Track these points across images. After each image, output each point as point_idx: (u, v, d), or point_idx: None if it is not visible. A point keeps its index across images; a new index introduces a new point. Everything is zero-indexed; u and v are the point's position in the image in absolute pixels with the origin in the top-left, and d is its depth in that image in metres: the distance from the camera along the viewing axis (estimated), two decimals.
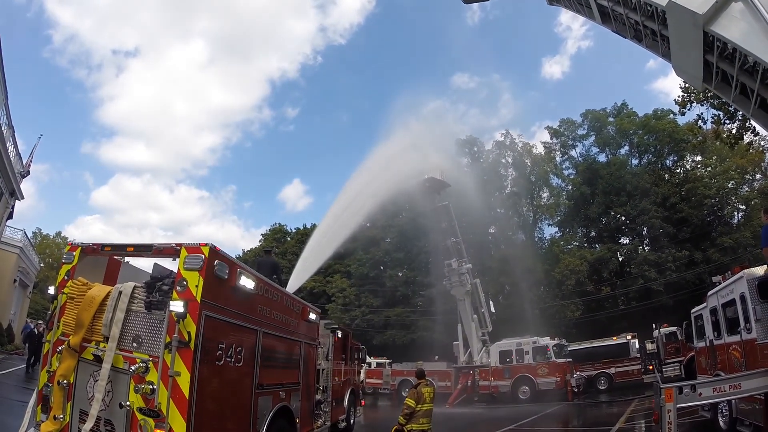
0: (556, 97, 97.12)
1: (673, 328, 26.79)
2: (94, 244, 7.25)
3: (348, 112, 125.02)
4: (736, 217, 44.65)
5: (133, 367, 5.78)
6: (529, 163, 51.59)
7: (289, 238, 61.97)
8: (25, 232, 35.90)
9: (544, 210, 50.76)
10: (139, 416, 5.65)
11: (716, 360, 10.49)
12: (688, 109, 20.19)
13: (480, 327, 29.17)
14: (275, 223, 66.90)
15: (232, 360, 6.60)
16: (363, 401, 19.31)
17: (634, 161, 49.44)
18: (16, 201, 28.02)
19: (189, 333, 5.68)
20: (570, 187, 50.21)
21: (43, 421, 6.35)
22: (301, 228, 62.54)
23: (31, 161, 29.14)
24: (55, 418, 6.21)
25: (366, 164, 27.01)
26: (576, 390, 25.09)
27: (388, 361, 36.39)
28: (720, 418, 10.07)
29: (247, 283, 6.91)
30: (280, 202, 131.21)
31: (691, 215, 42.04)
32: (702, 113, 20.34)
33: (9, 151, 23.77)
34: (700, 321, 11.92)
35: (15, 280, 33.54)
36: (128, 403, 5.74)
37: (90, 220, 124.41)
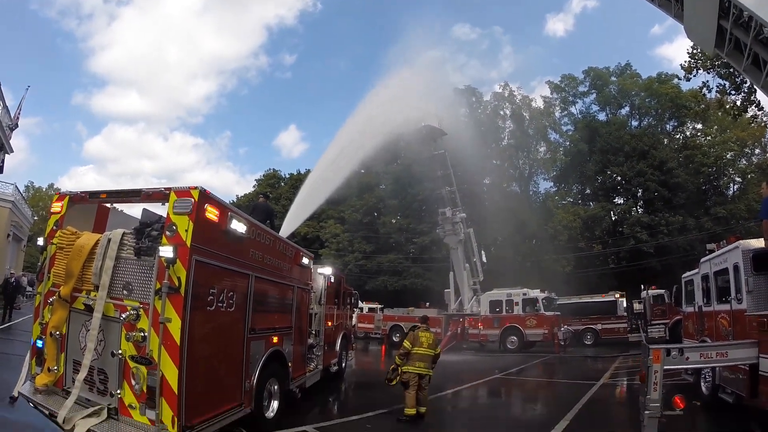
0: (559, 55, 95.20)
1: (661, 291, 27.30)
2: (81, 193, 7.06)
3: (346, 59, 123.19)
4: (731, 189, 44.93)
5: (123, 315, 5.71)
6: (527, 117, 51.00)
7: (283, 184, 61.63)
8: (16, 186, 35.58)
9: (540, 164, 50.70)
10: (132, 364, 5.61)
11: (704, 326, 10.59)
12: (694, 75, 19.79)
13: (471, 276, 29.38)
14: (269, 169, 66.77)
15: (224, 305, 6.53)
16: (355, 345, 19.60)
17: (634, 123, 49.20)
18: (6, 155, 27.64)
19: (179, 279, 5.55)
20: (568, 143, 49.90)
21: (37, 374, 6.36)
22: (296, 173, 62.28)
23: (19, 114, 28.73)
24: (49, 369, 6.21)
25: (362, 109, 26.39)
26: (563, 343, 25.61)
27: (379, 306, 36.76)
28: (703, 384, 10.23)
29: (238, 227, 6.76)
30: (275, 149, 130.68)
31: (687, 182, 42.09)
32: (707, 81, 19.97)
33: None
34: (690, 286, 11.95)
35: (8, 235, 33.70)
36: (120, 351, 5.68)
37: (83, 170, 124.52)
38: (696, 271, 11.27)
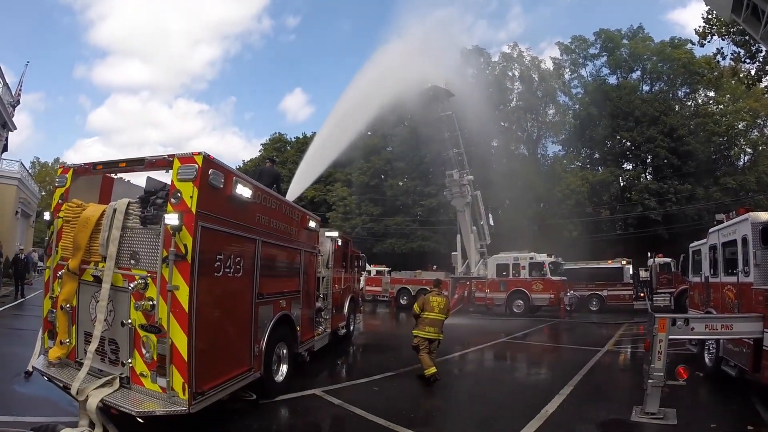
0: (569, 16, 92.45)
1: (668, 259, 27.19)
2: (85, 164, 7.00)
3: (350, 20, 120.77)
4: (742, 160, 44.24)
5: (132, 285, 5.73)
6: (536, 78, 49.96)
7: (289, 148, 61.34)
8: (21, 163, 35.64)
9: (549, 127, 50.05)
10: (142, 333, 5.66)
11: (709, 297, 10.54)
12: (708, 42, 19.20)
13: (479, 239, 29.38)
14: (275, 133, 66.22)
15: (231, 271, 6.54)
16: (362, 308, 19.80)
17: (645, 87, 48.05)
18: (9, 132, 27.55)
19: (185, 246, 5.54)
20: (577, 106, 49.08)
21: (50, 347, 6.42)
22: (301, 137, 61.79)
23: (20, 90, 28.53)
24: (61, 342, 6.28)
25: (367, 70, 25.94)
26: (568, 308, 25.81)
27: (387, 269, 36.92)
28: (706, 355, 10.19)
29: (243, 191, 6.69)
30: (281, 112, 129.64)
31: (698, 150, 41.48)
32: (722, 48, 19.43)
33: None
34: (697, 256, 11.83)
35: (17, 212, 33.74)
36: (130, 320, 5.73)
37: (89, 142, 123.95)
38: (704, 241, 11.14)
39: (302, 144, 57.52)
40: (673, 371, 7.33)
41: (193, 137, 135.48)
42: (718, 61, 20.37)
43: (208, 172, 5.82)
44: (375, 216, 49.12)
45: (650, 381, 7.20)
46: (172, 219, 5.46)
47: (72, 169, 7.02)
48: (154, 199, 6.00)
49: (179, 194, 5.65)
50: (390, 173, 50.89)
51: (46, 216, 7.10)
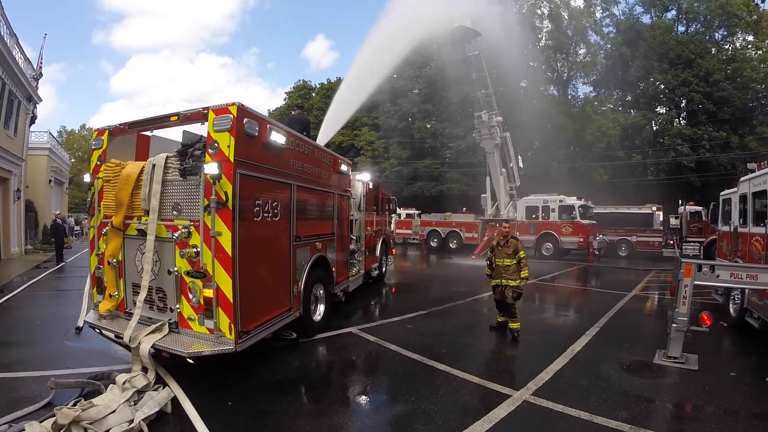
0: None
1: (699, 208, 26.83)
2: (120, 124, 7.19)
3: None
4: None
5: (176, 234, 6.01)
6: (566, 17, 47.83)
7: (314, 94, 60.97)
8: (50, 132, 36.25)
9: (579, 67, 47.97)
10: (188, 279, 5.98)
11: (737, 247, 10.40)
12: None
13: (508, 181, 29.31)
14: (299, 80, 65.72)
15: (269, 215, 6.79)
16: (394, 250, 20.25)
17: (681, 28, 45.43)
18: (36, 105, 27.92)
19: (225, 193, 5.76)
20: (609, 46, 46.87)
21: (100, 301, 6.82)
22: (326, 83, 61.29)
23: (41, 62, 28.65)
24: (110, 296, 6.70)
25: (391, 11, 25.33)
26: (597, 252, 25.82)
27: (417, 212, 37.31)
28: (731, 305, 10.19)
29: (277, 138, 6.88)
30: (304, 60, 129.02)
31: (734, 96, 39.44)
32: None
33: (17, 58, 23.37)
34: (728, 205, 11.62)
35: (50, 181, 34.59)
36: (176, 268, 6.06)
37: (113, 106, 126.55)
38: (735, 189, 10.90)
39: (327, 90, 57.15)
40: (697, 317, 7.49)
41: (217, 91, 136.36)
42: (758, 4, 19.12)
43: (243, 121, 5.99)
44: (403, 159, 48.99)
45: (674, 325, 7.39)
46: (211, 168, 5.66)
47: (107, 131, 7.23)
48: (192, 152, 6.21)
49: (216, 144, 5.84)
50: (417, 116, 50.13)
51: (86, 178, 7.29)
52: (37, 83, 27.73)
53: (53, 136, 38.34)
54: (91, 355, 7.38)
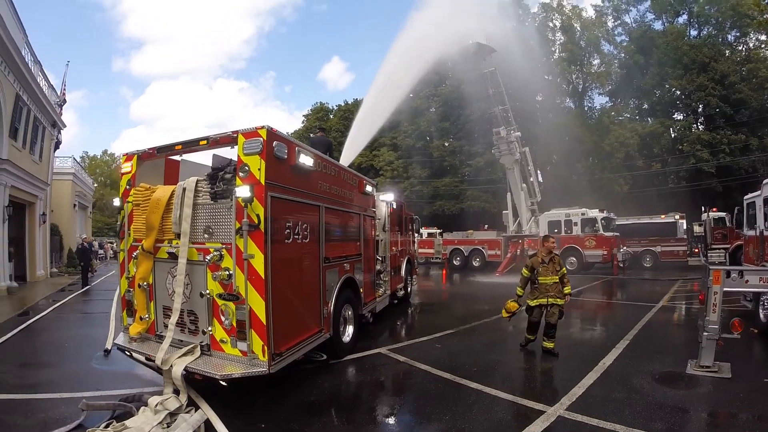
0: None
1: (722, 214, 26.30)
2: (149, 149, 7.27)
3: None
4: None
5: (208, 257, 6.06)
6: (578, 28, 48.20)
7: (331, 116, 61.72)
8: (74, 158, 37.43)
9: (594, 78, 48.16)
10: (220, 302, 6.02)
11: (764, 251, 10.30)
12: None
13: (529, 196, 29.11)
14: (317, 103, 66.40)
15: (300, 237, 6.84)
16: (417, 270, 20.15)
17: (693, 32, 45.35)
18: (60, 131, 28.73)
19: (258, 216, 5.80)
20: (622, 54, 47.14)
21: (130, 324, 6.88)
22: (343, 104, 62.00)
23: (65, 89, 29.54)
24: (141, 318, 6.75)
25: (406, 31, 25.60)
26: (622, 265, 25.50)
27: (438, 231, 37.26)
28: (761, 311, 10.06)
29: (306, 160, 6.92)
30: (320, 82, 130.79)
31: (751, 98, 39.16)
32: None
33: (42, 85, 24.13)
34: (752, 209, 11.53)
35: (74, 205, 35.57)
36: (208, 291, 6.10)
37: (133, 132, 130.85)
38: (758, 192, 10.84)
39: (344, 112, 57.91)
40: (728, 325, 7.39)
41: (236, 115, 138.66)
42: None
43: (272, 144, 6.06)
44: (423, 178, 49.21)
45: (705, 334, 7.30)
46: (243, 191, 5.72)
47: (136, 156, 7.34)
48: (222, 175, 6.30)
49: (247, 168, 5.91)
50: (435, 134, 50.52)
51: (116, 202, 7.41)
52: (61, 109, 28.49)
53: (77, 161, 39.49)
54: (120, 377, 7.44)
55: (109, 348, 8.94)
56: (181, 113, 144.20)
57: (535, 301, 8.58)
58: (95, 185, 56.19)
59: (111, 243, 52.06)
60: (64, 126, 29.41)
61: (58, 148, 29.33)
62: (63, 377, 7.50)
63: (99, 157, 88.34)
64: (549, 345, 8.50)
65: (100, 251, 44.09)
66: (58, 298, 17.63)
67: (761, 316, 10.03)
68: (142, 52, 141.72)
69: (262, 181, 5.87)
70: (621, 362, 8.05)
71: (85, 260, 22.87)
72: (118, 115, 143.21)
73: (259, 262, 5.83)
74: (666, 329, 11.65)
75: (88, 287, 21.37)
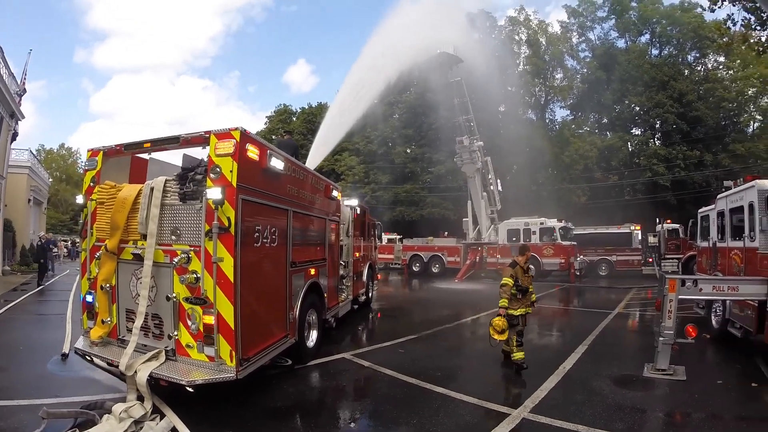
0: None
1: (676, 225, 27.45)
2: (116, 146, 7.08)
3: None
4: (751, 127, 43.39)
5: (175, 260, 5.94)
6: (543, 42, 49.43)
7: (294, 119, 61.33)
8: (31, 151, 35.88)
9: (556, 91, 49.33)
10: (187, 306, 5.89)
11: (717, 262, 10.83)
12: (719, 7, 18.66)
13: (489, 205, 29.68)
14: (280, 105, 65.86)
15: (268, 241, 6.79)
16: (379, 275, 20.24)
17: (654, 51, 47.21)
18: (18, 122, 27.73)
19: (228, 219, 5.73)
20: (585, 70, 48.37)
21: (91, 328, 6.63)
22: (307, 108, 61.68)
23: (25, 79, 28.42)
24: (103, 322, 6.51)
25: (375, 39, 25.75)
26: (578, 273, 26.29)
27: (398, 236, 37.42)
28: (713, 317, 10.63)
29: (277, 164, 6.88)
30: (285, 84, 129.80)
31: (707, 116, 41.05)
32: (732, 14, 18.93)
33: (2, 73, 23.26)
34: (706, 221, 12.09)
35: (29, 200, 34.15)
36: (174, 294, 5.96)
37: (93, 126, 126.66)
38: (712, 206, 11.40)
39: (308, 115, 57.71)
40: (682, 330, 7.77)
41: (198, 113, 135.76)
42: (729, 27, 19.92)
43: (245, 146, 6.01)
44: (384, 184, 49.17)
45: (661, 339, 7.68)
46: (215, 193, 5.66)
47: (102, 152, 7.12)
48: (192, 176, 6.20)
49: (218, 169, 5.84)
50: (398, 141, 50.60)
51: (79, 200, 7.13)
52: (20, 99, 27.45)
53: (33, 155, 37.85)
54: (80, 383, 7.23)
55: (67, 352, 8.66)
56: (142, 109, 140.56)
57: (518, 310, 8.27)
58: (51, 180, 54.09)
59: (65, 241, 50.26)
60: (23, 117, 28.36)
61: (14, 139, 28.22)
62: (19, 383, 7.20)
63: (56, 150, 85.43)
64: (520, 356, 8.07)
65: (54, 250, 42.53)
66: (10, 298, 16.95)
67: (713, 322, 10.60)
68: (105, 45, 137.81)
69: (234, 184, 5.81)
70: (580, 366, 8.34)
71: (43, 258, 22.01)
72: (78, 108, 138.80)
73: (228, 266, 5.76)
74: (622, 335, 12.09)
75: (42, 287, 20.63)
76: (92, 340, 6.50)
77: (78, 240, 8.95)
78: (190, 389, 5.74)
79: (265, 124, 64.02)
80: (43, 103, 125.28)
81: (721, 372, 8.03)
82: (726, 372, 8.05)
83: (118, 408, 5.44)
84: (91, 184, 7.04)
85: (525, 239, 26.94)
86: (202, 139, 6.20)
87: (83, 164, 7.26)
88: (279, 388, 7.03)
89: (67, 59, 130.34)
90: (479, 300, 17.76)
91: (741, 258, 9.21)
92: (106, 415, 5.45)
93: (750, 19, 17.80)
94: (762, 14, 16.06)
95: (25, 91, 28.13)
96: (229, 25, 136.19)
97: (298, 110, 63.19)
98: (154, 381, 5.75)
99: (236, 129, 5.95)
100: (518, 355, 8.04)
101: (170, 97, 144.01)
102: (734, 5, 17.91)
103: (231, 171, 5.83)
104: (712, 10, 19.31)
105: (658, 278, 9.06)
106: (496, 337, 7.94)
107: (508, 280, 8.17)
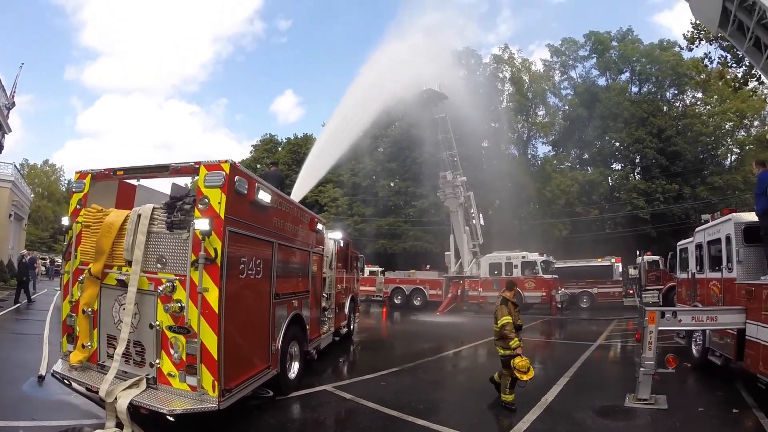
0: (558, 18, 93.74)
1: (656, 257, 27.91)
2: (105, 170, 7.07)
3: (342, 22, 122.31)
4: (729, 159, 45.08)
5: (160, 288, 5.89)
6: (527, 80, 50.69)
7: (280, 149, 61.55)
8: (15, 165, 35.15)
9: (539, 128, 50.52)
10: (170, 334, 5.86)
11: (696, 292, 11.07)
12: (696, 46, 19.61)
13: (471, 239, 29.93)
14: (266, 134, 65.96)
15: (253, 273, 6.79)
16: (359, 308, 20.18)
17: (634, 89, 49.04)
18: (5, 135, 27.54)
19: (215, 249, 5.74)
20: (567, 107, 49.93)
21: (70, 351, 6.51)
22: (293, 138, 61.97)
23: (14, 92, 28.44)
24: (83, 346, 6.38)
25: (363, 75, 26.31)
26: (560, 306, 26.43)
27: (380, 269, 37.34)
28: (693, 347, 10.85)
29: (264, 197, 6.94)
30: (272, 114, 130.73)
31: (685, 150, 42.63)
32: (709, 52, 19.82)
33: None
34: (684, 253, 12.37)
35: (10, 215, 33.55)
36: (158, 322, 5.91)
37: (79, 144, 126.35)
38: (690, 239, 11.71)
39: (293, 145, 58.03)
40: (662, 361, 7.89)
41: (184, 139, 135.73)
42: (706, 65, 20.75)
43: (234, 179, 6.07)
44: (367, 216, 49.33)
45: (642, 369, 7.80)
46: (202, 224, 5.69)
47: (90, 175, 7.09)
48: (181, 205, 6.21)
49: (207, 200, 5.88)
50: (382, 174, 51.05)
51: (65, 221, 7.06)
52: (8, 112, 27.21)
53: (18, 169, 37.18)
54: (57, 407, 7.10)
55: (44, 374, 8.48)
56: (129, 130, 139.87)
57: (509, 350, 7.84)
58: (33, 196, 53.18)
59: (44, 260, 49.00)
60: (10, 130, 28.21)
61: (0, 152, 27.92)
62: None
63: (39, 166, 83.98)
64: (510, 398, 7.74)
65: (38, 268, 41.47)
66: None
67: (694, 351, 10.81)
68: (96, 63, 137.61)
69: (222, 215, 5.86)
70: (562, 398, 8.38)
71: (25, 276, 21.49)
72: (65, 126, 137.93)
73: (213, 297, 5.77)
74: (604, 366, 12.20)
75: (20, 304, 20.24)
76: (72, 364, 6.38)
77: (58, 260, 8.78)
78: (171, 418, 5.67)
79: (251, 152, 64.16)
80: (30, 117, 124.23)
81: (702, 399, 8.21)
82: (707, 399, 8.22)
83: None
84: (78, 206, 6.99)
85: (507, 273, 27.11)
86: (191, 170, 6.26)
87: (66, 183, 7.21)
88: (260, 420, 6.95)
89: (57, 76, 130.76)
90: (461, 333, 17.80)
91: (719, 288, 9.44)
92: None
93: (726, 57, 18.64)
94: (738, 52, 16.74)
95: (14, 104, 28.03)
96: (220, 53, 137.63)
97: (284, 140, 63.52)
98: (133, 408, 5.67)
99: (226, 161, 6.02)
100: (508, 398, 7.71)
101: (158, 120, 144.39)
102: (711, 44, 18.67)
103: (219, 203, 5.88)
104: (690, 49, 20.28)
105: (639, 310, 9.22)
106: (524, 378, 7.50)
107: (507, 318, 7.90)
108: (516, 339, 7.75)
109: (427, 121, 30.79)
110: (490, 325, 17.10)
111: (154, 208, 6.35)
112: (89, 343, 6.46)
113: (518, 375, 7.54)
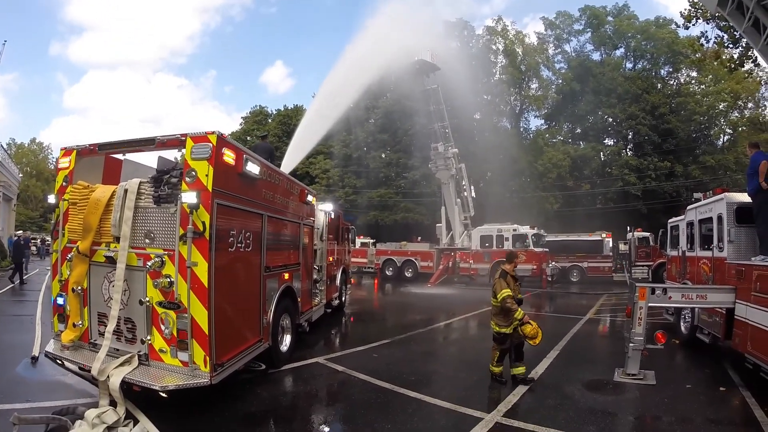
0: None
1: (647, 234, 28.34)
2: (90, 145, 6.94)
3: None
4: (721, 140, 45.30)
5: (149, 263, 5.84)
6: (520, 53, 50.06)
7: (270, 120, 60.99)
8: (1, 145, 34.93)
9: (531, 101, 50.32)
10: (160, 310, 5.82)
11: (686, 270, 11.17)
12: (693, 25, 19.36)
13: (462, 211, 30.02)
14: (256, 106, 65.34)
15: (242, 245, 6.74)
16: (353, 280, 20.19)
17: (629, 65, 48.92)
18: None
19: (203, 223, 5.68)
20: (560, 81, 49.60)
21: (61, 331, 6.48)
22: (282, 110, 61.40)
23: None
24: (74, 325, 6.34)
25: (354, 45, 25.99)
26: (550, 279, 26.63)
27: (372, 241, 37.50)
28: (682, 324, 11.00)
29: (252, 168, 6.83)
30: (261, 85, 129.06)
31: (678, 128, 42.65)
32: (706, 31, 19.66)
33: None
34: (675, 231, 12.42)
35: None
36: (147, 298, 5.87)
37: (66, 121, 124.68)
38: (682, 217, 11.75)
39: (283, 117, 57.47)
40: (652, 336, 7.98)
41: (173, 112, 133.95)
42: (702, 44, 20.56)
43: (221, 150, 5.96)
44: (358, 188, 49.28)
45: (631, 345, 7.89)
46: (190, 197, 5.57)
47: (75, 151, 6.97)
48: (168, 179, 6.08)
49: (194, 173, 5.78)
50: (373, 145, 50.85)
51: (51, 199, 6.95)
52: None
53: (3, 149, 36.76)
54: (50, 387, 7.07)
55: (37, 355, 8.46)
56: (116, 105, 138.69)
57: (509, 327, 7.67)
58: (21, 176, 52.42)
59: (34, 239, 48.55)
60: None
61: None
62: None
63: (26, 145, 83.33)
64: (521, 370, 7.73)
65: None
66: None
67: (682, 328, 10.96)
68: (82, 38, 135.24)
69: (210, 188, 5.77)
70: (552, 371, 8.51)
71: (18, 256, 21.38)
72: (51, 103, 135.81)
73: (202, 271, 5.71)
74: (593, 340, 12.33)
75: (15, 284, 20.17)
76: (63, 344, 6.35)
77: (48, 238, 8.66)
78: (164, 394, 5.65)
79: (241, 125, 63.58)
80: (15, 96, 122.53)
81: (690, 376, 8.30)
82: (695, 376, 8.32)
83: (90, 414, 5.34)
84: (64, 183, 6.89)
85: (498, 245, 27.21)
86: (177, 142, 6.15)
87: (54, 160, 7.04)
88: (253, 393, 6.98)
89: (41, 52, 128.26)
90: (452, 304, 17.96)
91: (709, 267, 9.49)
92: (79, 420, 5.33)
93: (723, 37, 18.43)
94: (734, 32, 16.60)
95: None
96: (208, 24, 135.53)
97: (274, 112, 62.92)
98: (126, 386, 5.66)
99: (213, 133, 5.90)
100: (497, 370, 7.76)
101: (145, 94, 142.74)
102: (708, 23, 18.46)
103: (207, 175, 5.79)
104: (687, 28, 20.01)
105: (629, 285, 9.29)
106: (532, 343, 7.51)
107: (507, 291, 7.61)
108: (519, 310, 7.58)
109: (419, 92, 30.51)
110: (481, 296, 17.30)
111: (140, 183, 6.25)
112: (80, 322, 6.41)
113: (529, 342, 7.53)
